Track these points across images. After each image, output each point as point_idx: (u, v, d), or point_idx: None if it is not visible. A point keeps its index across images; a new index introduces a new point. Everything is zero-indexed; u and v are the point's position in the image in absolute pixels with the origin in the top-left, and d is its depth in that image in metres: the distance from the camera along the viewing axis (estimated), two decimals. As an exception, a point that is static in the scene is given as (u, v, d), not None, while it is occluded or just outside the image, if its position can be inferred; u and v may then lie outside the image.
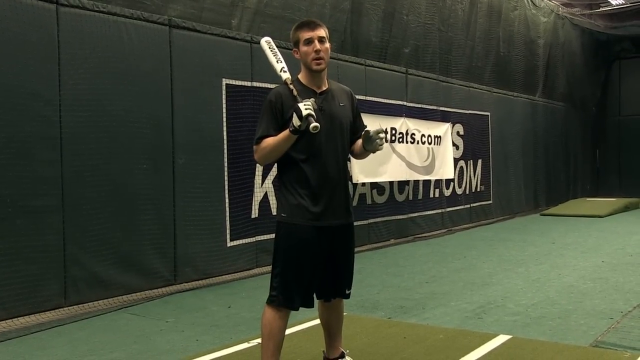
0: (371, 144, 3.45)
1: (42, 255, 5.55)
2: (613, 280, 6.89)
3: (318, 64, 3.43)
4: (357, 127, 3.69)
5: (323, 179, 3.42)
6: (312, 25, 3.45)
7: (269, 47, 3.60)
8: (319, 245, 3.43)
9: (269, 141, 3.36)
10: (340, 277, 3.59)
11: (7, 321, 5.26)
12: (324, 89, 3.52)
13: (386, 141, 3.56)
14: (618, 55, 19.69)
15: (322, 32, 3.45)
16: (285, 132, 3.31)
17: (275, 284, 3.43)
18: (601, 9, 17.66)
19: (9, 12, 5.36)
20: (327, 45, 3.47)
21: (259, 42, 3.78)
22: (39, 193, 5.54)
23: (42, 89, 5.58)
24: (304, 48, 3.43)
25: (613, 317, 5.31)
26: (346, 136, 3.58)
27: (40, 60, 5.56)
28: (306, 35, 3.42)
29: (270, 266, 3.55)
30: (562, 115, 17.35)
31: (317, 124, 3.19)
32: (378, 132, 3.41)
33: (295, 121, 3.22)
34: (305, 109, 3.20)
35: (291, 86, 3.40)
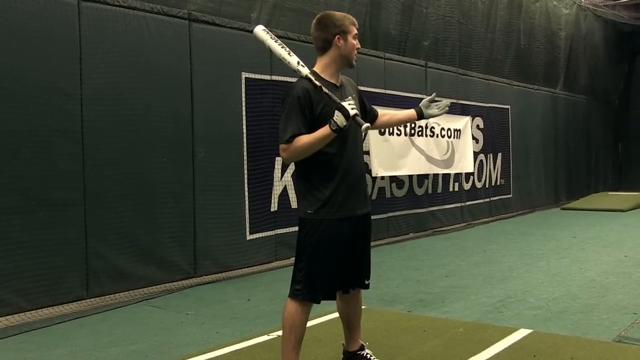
0: (433, 108, 3.60)
1: (64, 247, 5.62)
2: (636, 275, 6.80)
3: (355, 61, 3.48)
4: (367, 110, 3.72)
5: (349, 171, 3.41)
6: (355, 22, 3.48)
7: (271, 37, 3.45)
8: (344, 237, 3.41)
9: (304, 139, 3.23)
10: (360, 267, 3.59)
11: (31, 312, 5.35)
12: (340, 82, 3.50)
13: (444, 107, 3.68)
14: (642, 47, 19.37)
15: None
16: (325, 131, 3.20)
17: (300, 277, 3.40)
18: (625, -1, 17.38)
19: (31, 7, 5.42)
20: None
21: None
22: (61, 186, 5.60)
23: (64, 83, 5.63)
24: (352, 41, 3.42)
25: (637, 312, 5.24)
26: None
27: (61, 54, 5.61)
28: (354, 30, 3.43)
29: (290, 259, 3.56)
30: (583, 108, 17.12)
31: (368, 124, 3.21)
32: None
33: (341, 120, 3.15)
34: (352, 108, 3.16)
35: (316, 81, 3.30)
